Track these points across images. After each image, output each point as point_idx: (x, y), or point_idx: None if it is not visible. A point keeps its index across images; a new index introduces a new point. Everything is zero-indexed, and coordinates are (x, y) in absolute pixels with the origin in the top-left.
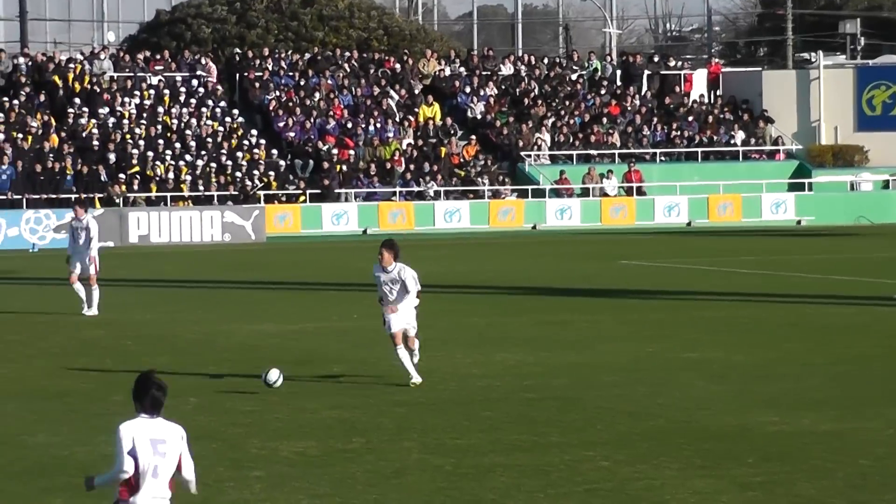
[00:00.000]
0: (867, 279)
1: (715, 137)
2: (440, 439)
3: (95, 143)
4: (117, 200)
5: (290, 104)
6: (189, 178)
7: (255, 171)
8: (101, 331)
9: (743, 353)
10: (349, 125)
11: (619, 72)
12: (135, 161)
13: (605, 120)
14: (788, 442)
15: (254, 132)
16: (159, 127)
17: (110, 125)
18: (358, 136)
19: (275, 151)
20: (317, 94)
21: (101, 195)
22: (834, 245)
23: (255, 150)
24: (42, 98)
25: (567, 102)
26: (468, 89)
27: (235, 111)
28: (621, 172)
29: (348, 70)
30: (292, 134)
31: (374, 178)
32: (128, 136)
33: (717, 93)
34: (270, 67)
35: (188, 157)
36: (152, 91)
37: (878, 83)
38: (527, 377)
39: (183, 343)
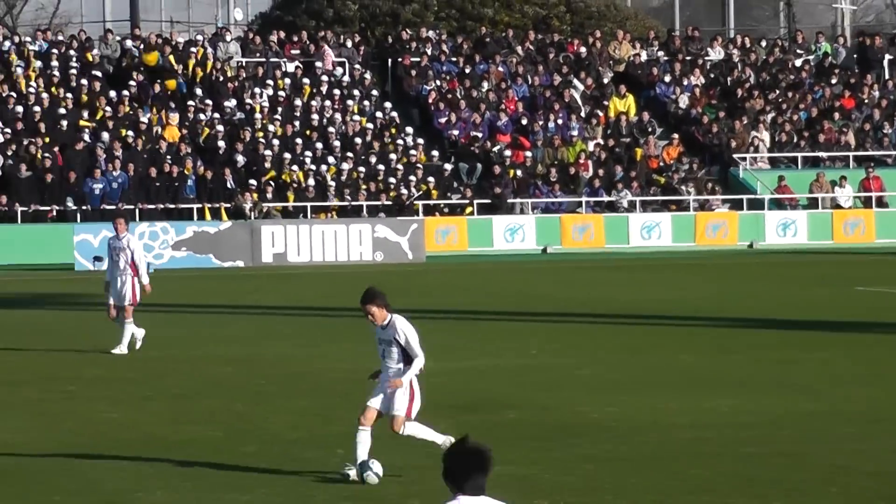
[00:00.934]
0: None
1: None
2: (638, 503)
3: (221, 143)
4: (248, 212)
5: (453, 96)
6: (333, 185)
7: (412, 177)
8: (230, 368)
9: None
10: (524, 121)
11: (854, 56)
12: (268, 165)
13: (836, 115)
14: None
15: (410, 130)
16: (297, 123)
17: (238, 121)
18: (535, 135)
19: (435, 153)
20: (485, 85)
21: (227, 205)
22: None
23: (412, 152)
24: (157, 89)
25: (790, 94)
26: (668, 78)
27: (388, 104)
28: (857, 179)
29: (523, 55)
30: (456, 132)
31: (555, 185)
32: (259, 135)
33: None
34: (429, 52)
35: (331, 160)
36: (288, 80)
37: None
38: (744, 428)
39: (326, 382)
